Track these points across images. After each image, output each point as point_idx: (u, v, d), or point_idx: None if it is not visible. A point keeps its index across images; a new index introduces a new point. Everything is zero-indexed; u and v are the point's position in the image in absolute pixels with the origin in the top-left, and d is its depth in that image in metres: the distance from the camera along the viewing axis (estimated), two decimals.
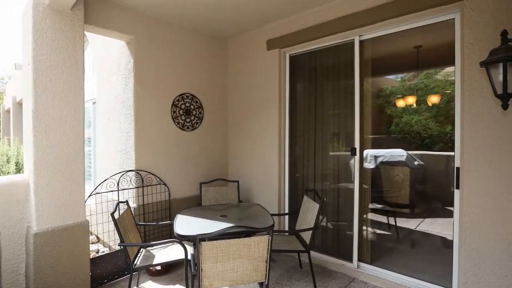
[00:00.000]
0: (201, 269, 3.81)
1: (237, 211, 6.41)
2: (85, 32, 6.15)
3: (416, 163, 10.84)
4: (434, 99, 11.69)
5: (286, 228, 7.72)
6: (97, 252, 7.73)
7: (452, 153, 5.36)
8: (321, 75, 7.16)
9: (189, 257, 5.18)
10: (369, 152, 10.60)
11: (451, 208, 5.37)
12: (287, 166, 7.74)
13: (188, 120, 7.91)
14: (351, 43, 6.46)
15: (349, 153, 6.54)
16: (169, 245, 5.97)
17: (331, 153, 7.08)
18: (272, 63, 7.67)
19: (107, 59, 8.09)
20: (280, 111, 7.54)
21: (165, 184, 7.49)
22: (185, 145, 7.96)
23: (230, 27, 7.92)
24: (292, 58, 7.61)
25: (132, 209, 6.60)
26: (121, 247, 5.09)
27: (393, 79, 14.77)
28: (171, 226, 6.87)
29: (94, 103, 9.39)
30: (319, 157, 7.22)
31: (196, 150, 8.18)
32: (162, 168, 7.47)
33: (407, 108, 14.00)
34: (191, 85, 7.94)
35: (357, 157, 6.39)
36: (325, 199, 6.92)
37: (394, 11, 5.67)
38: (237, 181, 8.03)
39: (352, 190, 6.49)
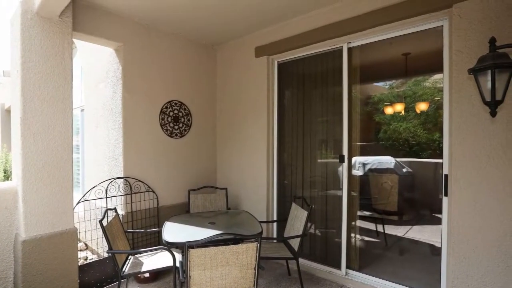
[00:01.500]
0: (190, 276, 3.81)
1: (225, 218, 6.40)
2: (73, 39, 6.13)
3: (404, 170, 10.89)
4: (422, 106, 11.74)
5: (275, 235, 7.72)
6: (86, 259, 7.71)
7: (440, 160, 5.39)
8: (309, 82, 7.18)
9: (177, 264, 5.17)
10: (357, 159, 10.64)
11: (439, 215, 5.40)
12: (276, 173, 7.74)
13: (176, 127, 7.89)
14: (340, 50, 6.48)
15: (338, 160, 6.55)
16: (158, 252, 5.95)
17: (319, 160, 7.09)
18: (260, 70, 7.68)
19: (96, 66, 8.06)
20: (268, 118, 7.55)
21: (153, 191, 7.47)
22: (174, 152, 7.95)
23: (219, 34, 7.93)
24: (281, 65, 7.62)
25: (120, 216, 6.60)
26: (110, 254, 5.07)
27: (381, 86, 14.82)
28: (159, 233, 6.89)
29: (82, 110, 9.35)
30: (308, 164, 7.23)
31: (184, 157, 8.18)
32: (151, 175, 7.46)
33: (395, 115, 14.07)
34: (179, 92, 7.94)
35: (345, 164, 6.40)
36: (313, 206, 6.95)
37: (383, 18, 5.70)
38: (226, 188, 8.00)
39: (340, 197, 6.49)
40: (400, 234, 9.09)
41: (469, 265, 4.72)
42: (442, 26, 5.24)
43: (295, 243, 5.96)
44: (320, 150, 7.06)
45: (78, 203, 6.48)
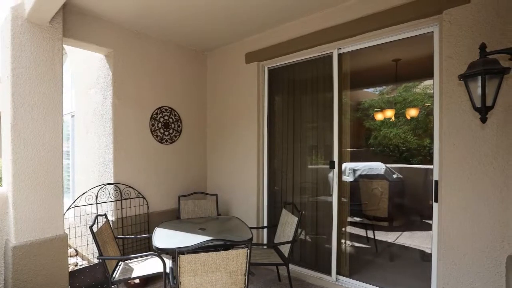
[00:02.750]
0: (180, 282, 3.81)
1: (215, 224, 6.40)
2: (63, 45, 6.13)
3: (394, 176, 10.89)
4: (412, 112, 11.78)
5: (265, 241, 7.71)
6: (76, 265, 7.68)
7: (430, 167, 5.41)
8: (299, 88, 7.19)
9: (167, 270, 5.17)
10: (347, 165, 10.64)
11: (429, 222, 5.41)
12: (266, 179, 7.74)
13: (166, 133, 7.88)
14: (330, 56, 6.49)
15: (328, 166, 6.56)
16: (148, 258, 5.94)
17: (309, 166, 7.09)
18: (250, 76, 7.69)
19: (86, 72, 8.05)
20: (258, 124, 7.55)
21: (143, 197, 7.47)
22: (164, 158, 7.94)
23: (209, 41, 7.93)
24: (271, 71, 7.63)
25: (110, 222, 6.56)
26: (100, 260, 5.07)
27: (371, 92, 14.86)
28: (149, 239, 6.86)
29: (72, 116, 9.35)
30: (298, 171, 7.23)
31: (174, 163, 8.18)
32: (141, 181, 7.45)
33: (385, 121, 14.09)
34: (170, 98, 7.94)
35: (335, 170, 6.41)
36: (303, 212, 6.95)
37: (373, 24, 5.71)
38: (216, 194, 7.99)
39: (330, 203, 6.50)
40: (391, 240, 9.10)
41: (459, 271, 4.73)
42: (432, 32, 5.26)
43: (285, 249, 5.97)
44: (310, 156, 7.07)
45: (69, 209, 6.45)
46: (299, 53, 6.92)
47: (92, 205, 7.01)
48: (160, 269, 5.40)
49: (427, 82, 12.56)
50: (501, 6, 4.45)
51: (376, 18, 5.69)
